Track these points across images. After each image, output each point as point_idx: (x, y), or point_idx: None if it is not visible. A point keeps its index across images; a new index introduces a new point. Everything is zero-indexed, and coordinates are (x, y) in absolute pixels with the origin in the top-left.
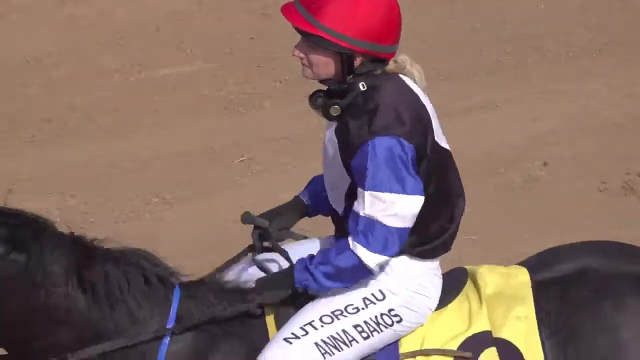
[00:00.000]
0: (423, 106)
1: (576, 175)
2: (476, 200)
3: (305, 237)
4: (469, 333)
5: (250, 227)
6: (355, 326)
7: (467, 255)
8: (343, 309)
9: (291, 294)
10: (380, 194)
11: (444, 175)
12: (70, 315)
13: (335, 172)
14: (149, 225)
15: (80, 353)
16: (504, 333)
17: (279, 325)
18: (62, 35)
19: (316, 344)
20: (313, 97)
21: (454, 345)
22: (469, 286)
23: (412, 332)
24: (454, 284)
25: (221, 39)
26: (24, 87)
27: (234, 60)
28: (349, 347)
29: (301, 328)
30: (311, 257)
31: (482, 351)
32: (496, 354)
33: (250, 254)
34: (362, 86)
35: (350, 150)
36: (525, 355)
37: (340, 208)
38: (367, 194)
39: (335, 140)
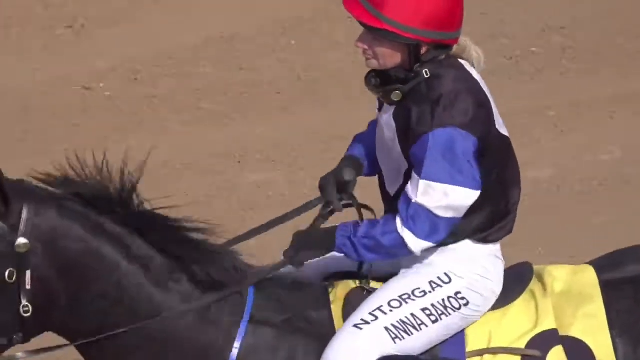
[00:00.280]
0: (483, 92)
1: None
2: None
3: (366, 206)
4: (536, 331)
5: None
6: (424, 309)
7: None
8: (410, 293)
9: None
10: (435, 184)
11: (505, 163)
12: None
13: (391, 155)
14: None
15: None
16: (574, 331)
17: (346, 315)
18: None
19: (386, 328)
20: (368, 77)
21: (521, 344)
22: (534, 283)
23: (480, 327)
24: (519, 279)
25: None
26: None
27: None
28: (418, 331)
29: (370, 314)
30: (355, 225)
31: (549, 350)
32: (563, 352)
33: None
34: (425, 73)
35: (411, 136)
36: (595, 353)
37: (393, 189)
38: (422, 182)
39: (394, 125)
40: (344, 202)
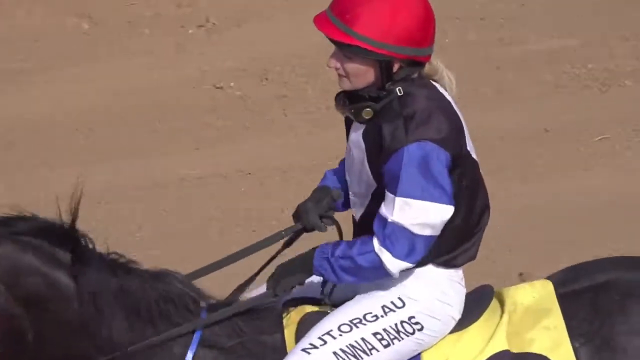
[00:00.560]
0: (456, 113)
1: None
2: None
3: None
4: (487, 354)
5: None
6: (375, 334)
7: None
8: (362, 317)
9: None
10: (411, 201)
11: (474, 186)
12: (96, 328)
13: (359, 177)
14: None
15: None
16: (535, 347)
17: (298, 339)
18: None
19: (335, 353)
20: (338, 98)
21: None
22: (494, 304)
23: (436, 351)
24: (479, 302)
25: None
26: None
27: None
28: (368, 355)
29: (319, 338)
30: (333, 246)
31: None
32: None
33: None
34: (398, 91)
35: (383, 154)
36: None
37: (359, 212)
38: (397, 199)
39: (363, 145)
40: (325, 224)
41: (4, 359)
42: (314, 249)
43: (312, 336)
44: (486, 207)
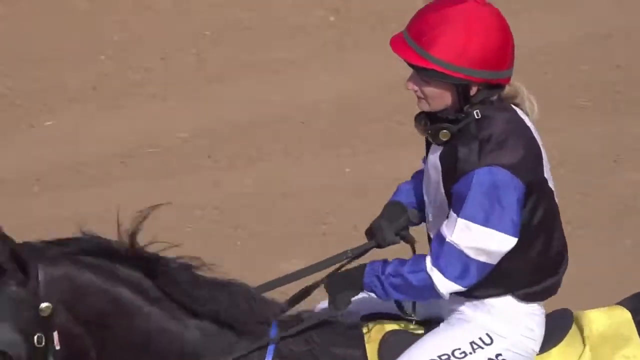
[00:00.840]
0: (535, 139)
1: None
2: None
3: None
4: None
5: None
6: None
7: None
8: (450, 354)
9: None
10: (472, 225)
11: (549, 215)
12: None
13: (436, 198)
14: None
15: None
16: None
17: (381, 358)
18: None
19: None
20: (418, 118)
21: None
22: (573, 329)
23: None
24: (558, 326)
25: None
26: None
27: None
28: None
29: None
30: (384, 263)
31: None
32: None
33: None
34: (476, 114)
35: (455, 175)
36: None
37: (433, 232)
38: (460, 221)
39: (439, 166)
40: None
41: None
42: (363, 265)
43: None
44: (563, 238)
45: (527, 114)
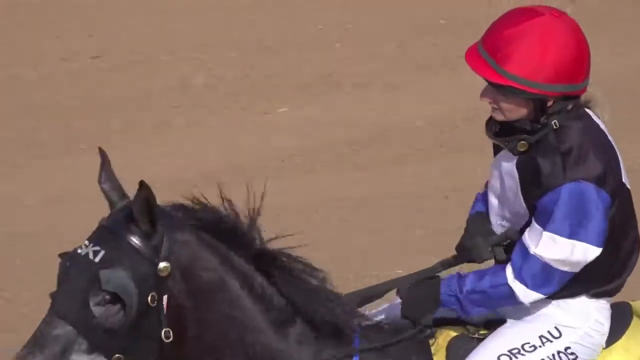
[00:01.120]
0: (611, 144)
1: None
2: None
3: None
4: None
5: None
6: None
7: None
8: (520, 347)
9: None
10: (559, 238)
11: (626, 217)
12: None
13: (509, 206)
14: None
15: None
16: None
17: None
18: None
19: None
20: (489, 124)
21: None
22: (635, 323)
23: None
24: (620, 320)
25: None
26: None
27: None
28: None
29: None
30: (459, 280)
31: None
32: None
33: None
34: (554, 125)
35: (540, 189)
36: None
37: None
38: (546, 234)
39: (517, 174)
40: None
41: (172, 348)
42: (438, 279)
43: None
44: (636, 240)
45: (599, 117)
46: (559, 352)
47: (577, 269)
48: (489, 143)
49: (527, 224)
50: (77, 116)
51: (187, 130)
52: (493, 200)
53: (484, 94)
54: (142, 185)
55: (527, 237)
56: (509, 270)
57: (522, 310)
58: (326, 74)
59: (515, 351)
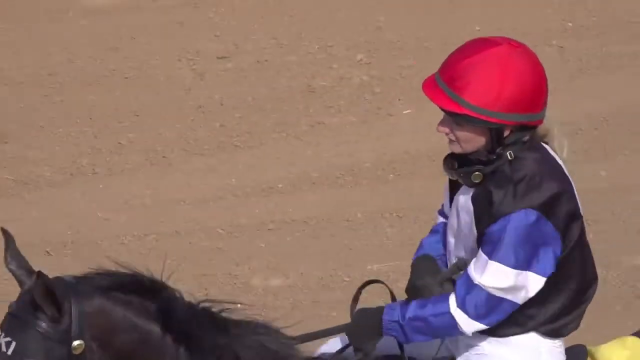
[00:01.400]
0: (567, 177)
1: None
2: None
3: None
4: None
5: None
6: None
7: None
8: None
9: None
10: (504, 268)
11: (581, 253)
12: None
13: (465, 242)
14: None
15: None
16: None
17: None
18: None
19: None
20: (447, 159)
21: None
22: None
23: None
24: None
25: None
26: None
27: None
28: None
29: None
30: (402, 307)
31: None
32: None
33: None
34: (509, 155)
35: (490, 219)
36: None
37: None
38: (491, 263)
39: (472, 208)
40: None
41: None
42: (380, 308)
43: None
44: (594, 278)
45: (556, 152)
46: None
47: (521, 300)
48: None
49: None
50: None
51: (310, 131)
52: (450, 240)
53: (441, 125)
54: (39, 275)
55: (472, 267)
56: (452, 298)
57: (471, 349)
58: None
59: None
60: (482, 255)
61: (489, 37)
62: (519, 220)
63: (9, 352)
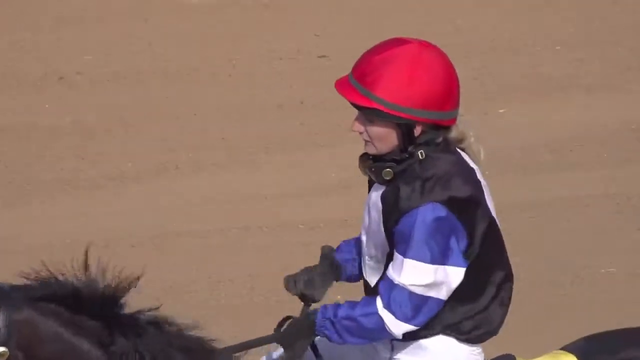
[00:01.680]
0: (478, 182)
1: None
2: None
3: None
4: None
5: None
6: None
7: None
8: None
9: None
10: (420, 264)
11: (491, 254)
12: None
13: (374, 239)
14: None
15: None
16: None
17: None
18: None
19: None
20: (363, 158)
21: None
22: None
23: None
24: None
25: None
26: None
27: None
28: None
29: None
30: (335, 307)
31: None
32: None
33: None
34: (420, 154)
35: (396, 215)
36: None
37: (374, 278)
38: (406, 261)
39: (381, 206)
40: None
41: None
42: (314, 310)
43: None
44: (507, 279)
45: (472, 159)
46: None
47: (445, 295)
48: None
49: (389, 258)
50: (310, 113)
51: None
52: (363, 238)
53: (355, 121)
54: None
55: (391, 268)
56: (378, 299)
57: (380, 357)
58: (551, 77)
59: None
60: (397, 255)
61: (401, 37)
62: (426, 213)
63: None
